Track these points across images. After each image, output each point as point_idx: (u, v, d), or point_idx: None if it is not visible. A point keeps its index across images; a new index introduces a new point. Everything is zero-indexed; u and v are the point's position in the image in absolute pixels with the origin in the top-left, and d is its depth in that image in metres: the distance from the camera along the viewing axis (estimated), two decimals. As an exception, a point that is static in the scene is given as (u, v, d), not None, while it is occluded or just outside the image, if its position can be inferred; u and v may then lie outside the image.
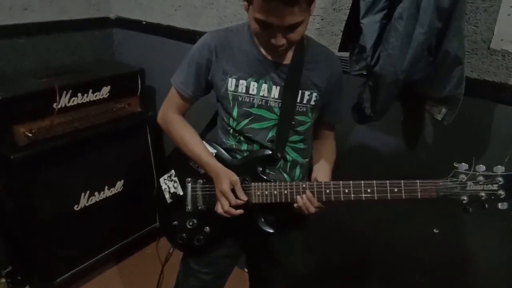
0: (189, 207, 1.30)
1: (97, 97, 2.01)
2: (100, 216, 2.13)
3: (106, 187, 2.13)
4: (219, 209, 1.19)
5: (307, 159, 1.32)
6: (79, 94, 1.93)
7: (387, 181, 1.06)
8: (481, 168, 0.99)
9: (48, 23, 2.17)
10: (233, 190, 1.18)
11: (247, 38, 1.20)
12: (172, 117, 1.31)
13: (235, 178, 1.18)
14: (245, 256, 1.53)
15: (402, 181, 1.04)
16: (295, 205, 1.17)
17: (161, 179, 1.37)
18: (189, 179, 1.30)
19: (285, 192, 1.17)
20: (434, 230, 1.59)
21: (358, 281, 1.91)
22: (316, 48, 1.25)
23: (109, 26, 2.45)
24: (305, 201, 1.15)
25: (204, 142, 1.29)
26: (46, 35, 2.19)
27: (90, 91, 1.97)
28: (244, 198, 1.18)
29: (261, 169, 1.23)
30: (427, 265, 1.67)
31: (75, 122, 1.96)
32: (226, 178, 1.17)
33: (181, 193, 1.32)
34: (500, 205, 0.99)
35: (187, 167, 1.31)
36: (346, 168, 1.74)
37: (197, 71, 1.24)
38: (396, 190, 1.05)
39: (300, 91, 1.20)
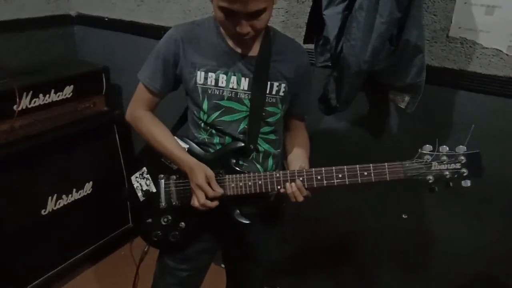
0: (163, 204, 1.29)
1: (60, 97, 1.94)
2: (70, 219, 2.07)
3: (74, 190, 2.07)
4: (195, 202, 1.19)
5: (279, 150, 1.33)
6: (41, 95, 1.86)
7: (357, 166, 1.08)
8: (445, 148, 1.02)
9: (4, 22, 2.07)
10: (209, 184, 1.17)
11: (214, 31, 1.20)
12: (141, 114, 1.29)
13: (210, 173, 1.18)
14: (221, 251, 1.52)
15: (371, 164, 1.07)
16: (281, 190, 1.16)
17: (133, 178, 1.35)
18: (162, 175, 1.29)
19: (259, 182, 1.18)
20: (403, 216, 1.63)
21: (332, 269, 1.94)
22: (282, 40, 1.26)
23: (70, 24, 2.36)
24: (295, 190, 1.14)
25: (175, 137, 1.28)
26: (3, 34, 2.09)
27: (52, 91, 1.90)
28: (220, 191, 1.17)
29: (234, 161, 1.23)
30: (398, 250, 1.72)
31: (38, 124, 1.89)
32: (201, 172, 1.17)
33: (154, 190, 1.31)
34: (463, 183, 1.03)
35: (159, 163, 1.29)
36: (315, 159, 1.76)
37: (165, 65, 1.22)
38: (366, 173, 1.07)
39: (268, 82, 1.21)
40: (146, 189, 1.32)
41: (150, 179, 1.32)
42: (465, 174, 1.01)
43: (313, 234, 1.94)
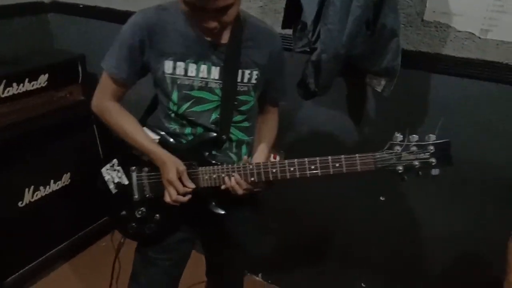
0: (136, 196, 1.26)
1: (35, 87, 1.90)
2: (49, 211, 2.04)
3: (52, 181, 2.04)
4: (167, 198, 1.17)
5: (252, 137, 1.31)
6: (14, 84, 1.82)
7: (329, 157, 1.07)
8: (414, 138, 1.02)
9: (-25, 10, 2.02)
10: (180, 179, 1.15)
11: (181, 17, 1.13)
12: (108, 106, 1.23)
13: (182, 167, 1.16)
14: (200, 240, 1.51)
15: (342, 156, 1.06)
16: (222, 187, 1.17)
17: (103, 170, 1.31)
18: (134, 167, 1.26)
19: (233, 174, 1.16)
20: (381, 198, 1.66)
21: (315, 256, 1.97)
22: (254, 24, 1.21)
23: (44, 11, 2.30)
24: (233, 184, 1.15)
25: (146, 128, 1.24)
26: (-26, 23, 2.03)
27: (26, 80, 1.86)
28: (192, 186, 1.16)
29: (207, 152, 1.21)
30: (378, 233, 1.75)
31: (12, 114, 1.85)
32: (172, 166, 1.15)
33: (126, 183, 1.27)
34: (432, 171, 1.03)
35: (130, 155, 1.25)
36: (294, 143, 1.78)
37: (130, 53, 1.16)
38: (337, 165, 1.07)
39: (240, 71, 1.17)
40: (118, 182, 1.29)
41: (122, 171, 1.28)
42: (433, 164, 1.02)
43: (296, 223, 1.95)
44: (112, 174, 1.30)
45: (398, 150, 1.03)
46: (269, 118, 1.37)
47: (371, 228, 1.75)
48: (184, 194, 1.16)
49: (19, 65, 1.92)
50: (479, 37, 1.30)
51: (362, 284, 1.86)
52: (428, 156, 1.02)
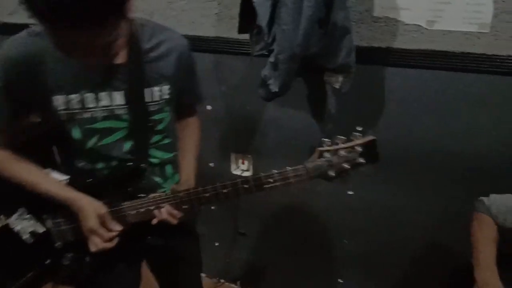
0: (58, 243, 1.09)
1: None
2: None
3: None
4: (92, 248, 1.03)
5: (176, 152, 1.20)
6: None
7: (261, 174, 1.02)
8: (341, 139, 1.01)
9: None
10: (103, 223, 1.02)
11: None
12: None
13: (102, 211, 1.02)
14: (146, 263, 1.34)
15: (274, 171, 1.01)
16: (154, 221, 1.05)
17: (11, 221, 1.11)
18: (46, 215, 1.08)
19: (162, 205, 1.06)
20: (348, 193, 1.69)
21: (290, 258, 1.97)
22: (152, 32, 1.04)
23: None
24: (166, 216, 1.05)
25: (51, 170, 1.09)
26: None
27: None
28: (118, 228, 1.03)
29: (129, 186, 1.07)
30: (350, 228, 1.77)
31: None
32: (91, 212, 1.01)
33: (43, 230, 1.10)
34: (363, 169, 1.03)
35: (38, 200, 1.05)
36: (261, 146, 1.79)
37: (7, 94, 0.96)
38: (271, 180, 1.02)
39: (148, 89, 1.03)
40: (33, 231, 1.11)
41: (33, 218, 1.10)
42: (363, 163, 1.01)
43: (267, 227, 1.95)
44: (23, 224, 1.11)
45: (328, 156, 1.01)
46: (189, 126, 1.27)
47: (343, 224, 1.77)
48: (111, 240, 1.03)
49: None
50: (426, 28, 1.36)
51: (339, 280, 1.87)
52: (356, 156, 1.01)
